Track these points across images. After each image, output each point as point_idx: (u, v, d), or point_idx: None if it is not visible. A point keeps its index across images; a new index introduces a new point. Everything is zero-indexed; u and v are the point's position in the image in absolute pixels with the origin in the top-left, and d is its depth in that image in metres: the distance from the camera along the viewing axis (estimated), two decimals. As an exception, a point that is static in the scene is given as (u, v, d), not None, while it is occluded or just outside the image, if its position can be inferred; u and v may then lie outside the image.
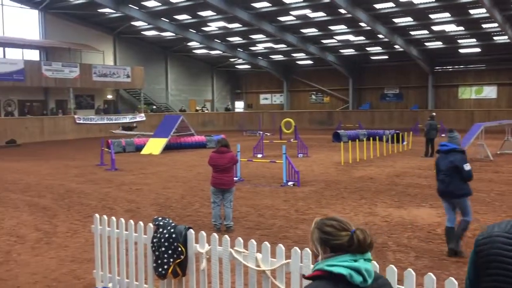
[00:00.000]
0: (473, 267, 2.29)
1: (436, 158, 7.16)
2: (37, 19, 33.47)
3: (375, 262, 3.58)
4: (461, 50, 34.71)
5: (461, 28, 30.43)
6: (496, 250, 2.17)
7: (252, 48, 40.33)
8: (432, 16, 28.72)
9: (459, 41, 33.15)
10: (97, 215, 5.49)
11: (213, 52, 41.56)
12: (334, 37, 34.80)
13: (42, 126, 29.74)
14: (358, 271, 1.99)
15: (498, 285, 2.15)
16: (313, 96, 44.35)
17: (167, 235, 4.57)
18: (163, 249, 4.55)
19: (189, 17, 33.06)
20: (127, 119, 34.00)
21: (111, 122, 33.09)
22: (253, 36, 36.52)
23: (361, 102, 41.38)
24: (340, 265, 1.99)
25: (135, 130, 29.93)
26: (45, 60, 32.52)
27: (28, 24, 32.92)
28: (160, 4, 30.69)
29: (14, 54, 31.73)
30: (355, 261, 2.01)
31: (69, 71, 31.60)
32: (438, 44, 34.19)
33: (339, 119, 37.50)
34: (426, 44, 34.46)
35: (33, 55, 33.21)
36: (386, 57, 38.44)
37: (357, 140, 20.44)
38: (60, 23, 33.90)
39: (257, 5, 29.67)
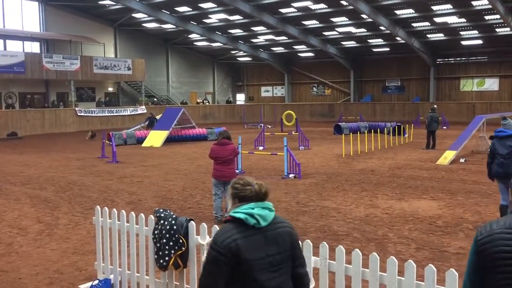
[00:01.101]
0: (475, 268, 2.26)
1: (492, 144, 7.61)
2: (38, 11, 33.36)
3: (375, 253, 3.59)
4: (463, 42, 34.56)
5: (463, 19, 30.28)
6: (501, 248, 2.14)
7: (253, 40, 40.20)
8: (434, 7, 28.58)
9: (461, 33, 32.99)
10: (98, 207, 5.50)
11: (214, 45, 41.43)
12: (336, 29, 34.66)
13: (43, 118, 29.74)
14: (251, 215, 2.63)
15: (510, 282, 2.11)
16: (315, 89, 44.26)
17: (168, 227, 4.58)
18: (164, 240, 4.56)
19: (190, 9, 32.93)
20: (128, 111, 33.97)
21: (112, 114, 33.08)
22: (254, 28, 36.39)
23: (363, 95, 41.29)
24: (240, 211, 2.65)
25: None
26: (45, 53, 32.47)
27: (28, 16, 32.83)
28: (160, -4, 30.60)
29: (14, 46, 31.68)
30: (252, 208, 2.65)
31: (70, 64, 31.55)
32: (440, 36, 34.04)
33: (341, 111, 37.46)
34: (428, 36, 34.32)
35: (34, 47, 33.15)
36: (388, 49, 38.30)
37: (358, 132, 20.43)
38: (60, 15, 33.80)
39: (258, -4, 29.58)
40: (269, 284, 2.63)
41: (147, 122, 26.52)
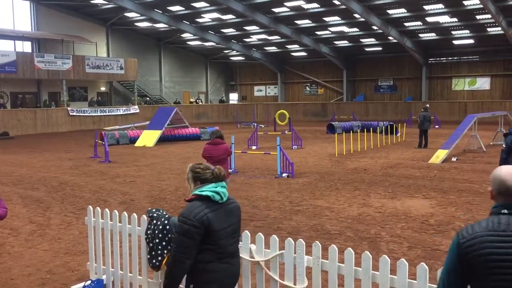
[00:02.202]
0: (455, 271, 2.28)
1: (509, 140, 7.99)
2: (29, 10, 33.15)
3: (368, 252, 3.60)
4: (455, 42, 34.76)
5: (455, 19, 30.46)
6: (488, 250, 2.17)
7: (246, 40, 40.18)
8: (426, 7, 28.73)
9: (453, 32, 33.18)
10: (90, 207, 5.48)
11: (207, 44, 41.37)
12: (328, 28, 34.74)
13: (35, 118, 29.56)
14: (217, 192, 3.23)
15: (505, 284, 2.16)
16: (307, 88, 44.34)
17: (161, 227, 4.56)
18: (157, 240, 4.54)
19: (183, 8, 32.86)
20: (120, 111, 33.84)
21: (104, 114, 32.94)
22: (247, 28, 36.38)
23: (355, 94, 41.41)
24: (206, 190, 3.25)
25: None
26: (37, 52, 32.27)
27: (20, 15, 32.60)
28: (153, -5, 30.52)
29: (6, 45, 31.42)
30: (215, 187, 3.27)
31: (62, 63, 31.39)
32: (432, 35, 34.22)
33: (333, 110, 37.54)
34: (420, 35, 34.49)
35: (25, 46, 32.93)
36: (380, 48, 38.44)
37: (351, 131, 20.50)
38: (52, 14, 33.61)
39: (251, -4, 29.58)
40: (231, 248, 3.34)
41: None
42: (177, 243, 3.19)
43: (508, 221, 2.22)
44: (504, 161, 7.80)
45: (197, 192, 3.28)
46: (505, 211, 2.26)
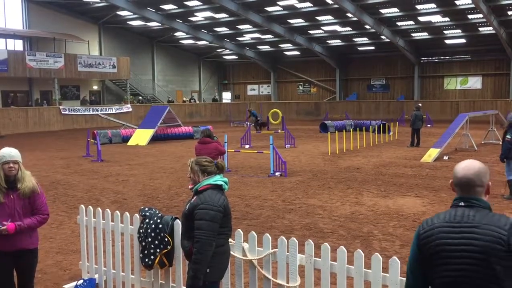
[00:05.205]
0: (416, 260, 2.41)
1: None
2: (21, 8, 32.91)
3: (360, 250, 3.62)
4: (447, 41, 34.93)
5: (447, 18, 30.62)
6: (442, 241, 2.30)
7: (239, 39, 40.15)
8: (418, 6, 28.86)
9: (445, 32, 33.34)
10: (83, 206, 5.46)
11: (200, 43, 41.29)
12: (321, 27, 34.79)
13: (27, 117, 29.36)
14: (226, 182, 3.80)
15: (452, 274, 2.27)
16: (300, 87, 44.38)
17: (153, 226, 4.56)
18: (149, 239, 4.53)
19: (176, 7, 32.77)
20: (113, 110, 33.68)
21: (97, 113, 32.79)
22: (240, 27, 36.35)
23: (348, 93, 41.50)
24: (218, 180, 3.74)
25: None
26: (29, 50, 32.05)
27: (11, 13, 32.36)
28: (146, -7, 30.40)
29: (-3, 44, 31.22)
30: (222, 178, 3.78)
31: (54, 62, 31.20)
32: (424, 35, 34.38)
33: (326, 109, 37.62)
34: (412, 35, 34.63)
35: (17, 45, 32.70)
36: (373, 48, 38.55)
37: (344, 130, 20.55)
38: (44, 13, 33.38)
39: (244, -5, 29.56)
40: (231, 229, 3.85)
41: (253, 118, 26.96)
42: (206, 228, 3.53)
43: (463, 214, 2.32)
44: (508, 151, 8.62)
45: (210, 182, 3.71)
46: (462, 203, 2.38)
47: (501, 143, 9.90)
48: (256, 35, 38.28)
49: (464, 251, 2.23)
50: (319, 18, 32.71)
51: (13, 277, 4.23)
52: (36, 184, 4.23)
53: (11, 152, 4.16)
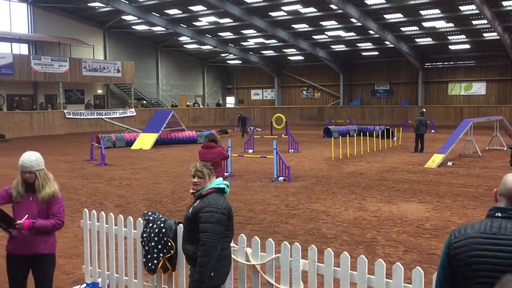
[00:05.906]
0: (444, 271, 2.30)
1: None
2: (26, 12, 33.10)
3: (363, 256, 3.61)
4: (451, 47, 34.90)
5: (451, 24, 30.60)
6: (476, 252, 2.17)
7: (243, 44, 40.23)
8: (422, 12, 28.86)
9: (449, 37, 33.32)
10: (86, 210, 5.47)
11: (204, 47, 41.39)
12: (325, 32, 34.82)
13: (31, 120, 29.47)
14: (227, 185, 3.87)
15: (483, 287, 2.14)
16: (304, 92, 44.39)
17: (157, 230, 4.56)
18: (152, 244, 4.54)
19: (180, 12, 32.89)
20: (117, 114, 33.77)
21: (101, 116, 32.87)
22: (244, 31, 36.43)
23: (352, 98, 41.49)
24: (220, 183, 3.82)
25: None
26: (34, 54, 32.20)
27: (17, 18, 32.55)
28: (150, -2, 30.52)
29: (2, 48, 31.36)
30: (223, 182, 3.86)
31: (59, 66, 31.33)
32: (428, 40, 34.35)
33: (330, 114, 37.59)
34: (416, 40, 34.62)
35: (22, 49, 32.86)
36: (377, 53, 38.55)
37: (347, 135, 20.53)
38: (49, 17, 33.57)
39: (248, 0, 29.61)
40: (233, 232, 3.91)
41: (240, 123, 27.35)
42: (211, 230, 3.57)
43: (500, 225, 2.20)
44: None
45: (214, 185, 3.78)
46: (499, 214, 2.25)
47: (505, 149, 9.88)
48: (260, 40, 38.35)
49: (499, 264, 2.11)
50: (323, 23, 32.75)
51: (26, 281, 4.24)
52: (57, 190, 4.23)
53: (29, 160, 4.12)
